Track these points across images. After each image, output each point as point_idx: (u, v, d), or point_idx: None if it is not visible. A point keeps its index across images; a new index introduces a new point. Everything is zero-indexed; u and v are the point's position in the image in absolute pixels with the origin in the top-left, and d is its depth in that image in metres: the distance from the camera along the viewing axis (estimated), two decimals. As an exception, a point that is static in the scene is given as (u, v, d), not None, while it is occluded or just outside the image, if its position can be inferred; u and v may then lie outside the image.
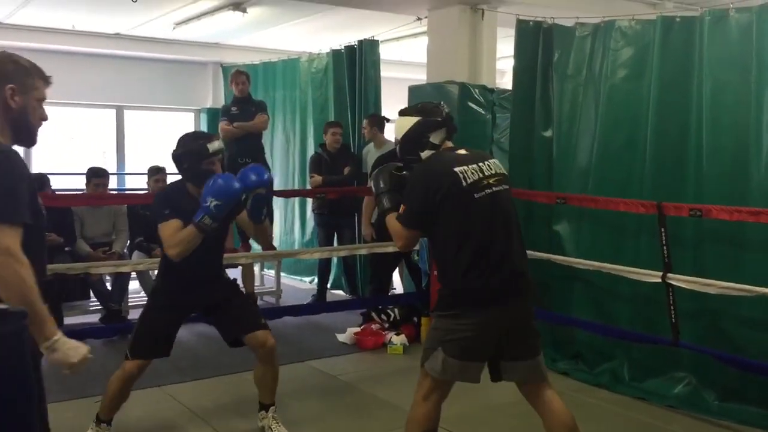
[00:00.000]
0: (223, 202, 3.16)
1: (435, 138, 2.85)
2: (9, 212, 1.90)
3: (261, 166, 3.56)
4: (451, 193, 2.69)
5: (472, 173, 2.73)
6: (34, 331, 1.81)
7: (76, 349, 1.99)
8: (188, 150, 3.35)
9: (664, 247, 4.08)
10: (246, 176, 3.31)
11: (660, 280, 4.10)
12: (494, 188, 2.76)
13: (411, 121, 2.88)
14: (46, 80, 2.15)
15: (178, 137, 3.47)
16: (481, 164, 2.78)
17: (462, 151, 2.85)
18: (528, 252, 5.01)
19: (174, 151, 3.40)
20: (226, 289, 3.62)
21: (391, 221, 2.85)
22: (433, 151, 2.85)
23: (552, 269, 4.96)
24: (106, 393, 3.48)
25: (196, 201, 3.24)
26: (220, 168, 3.44)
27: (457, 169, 2.72)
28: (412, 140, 2.87)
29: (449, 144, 2.91)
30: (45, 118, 2.17)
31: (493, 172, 2.80)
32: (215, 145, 3.38)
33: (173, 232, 3.21)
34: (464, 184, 2.70)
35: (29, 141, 2.16)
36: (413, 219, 2.77)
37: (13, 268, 1.86)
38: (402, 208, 2.81)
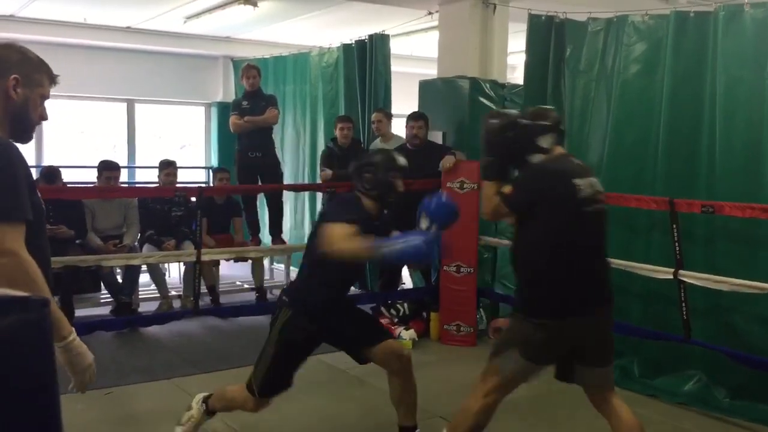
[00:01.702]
0: (442, 223, 2.99)
1: (544, 142, 2.83)
2: (10, 210, 1.80)
3: (453, 204, 3.22)
4: (564, 202, 2.72)
5: (586, 187, 2.75)
6: None
7: (86, 354, 1.97)
8: (379, 160, 3.23)
9: (676, 244, 4.06)
10: (439, 207, 3.09)
11: (672, 277, 4.08)
12: (602, 205, 2.81)
13: (515, 123, 2.90)
14: (53, 79, 2.08)
15: (366, 152, 3.38)
16: (590, 179, 2.79)
17: (574, 161, 2.88)
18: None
19: (360, 161, 3.28)
20: (348, 304, 3.44)
21: (489, 188, 2.89)
22: (542, 155, 2.83)
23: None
24: (223, 396, 3.33)
25: (370, 219, 3.13)
26: (402, 186, 3.27)
27: (575, 181, 2.73)
28: (517, 143, 2.86)
29: (561, 150, 2.89)
30: (45, 118, 2.07)
31: (599, 189, 2.82)
32: (402, 160, 3.29)
33: (349, 235, 2.91)
34: (578, 196, 2.72)
35: (24, 137, 2.03)
36: (517, 205, 2.81)
37: (20, 268, 1.79)
38: (510, 189, 2.82)
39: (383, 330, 3.38)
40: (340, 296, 3.31)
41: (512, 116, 2.96)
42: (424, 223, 3.00)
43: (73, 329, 1.97)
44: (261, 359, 3.13)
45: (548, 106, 3.03)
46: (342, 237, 2.90)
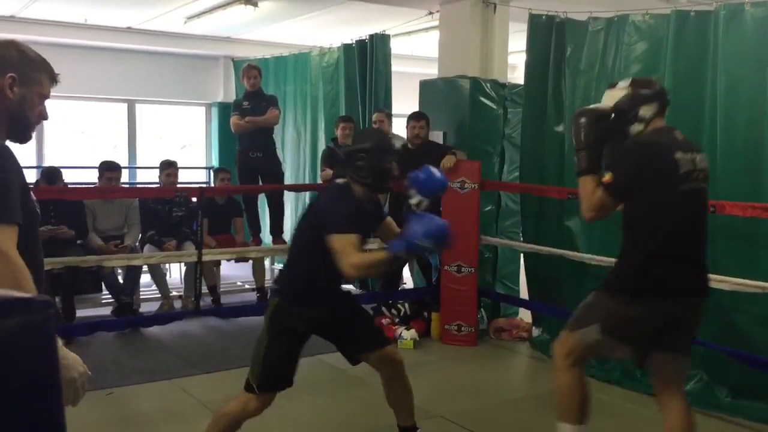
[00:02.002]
0: (433, 246, 2.78)
1: (645, 111, 2.71)
2: (1, 212, 1.73)
3: (439, 172, 3.15)
4: (663, 177, 2.61)
5: (686, 163, 2.63)
6: None
7: (74, 365, 1.86)
8: (373, 145, 2.99)
9: (677, 243, 4.06)
10: (429, 180, 3.02)
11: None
12: (701, 184, 2.70)
13: (620, 92, 2.77)
14: (54, 78, 2.01)
15: (356, 134, 3.19)
16: (693, 155, 2.67)
17: (678, 135, 2.74)
18: (539, 247, 5.07)
19: (348, 147, 3.08)
20: (347, 301, 3.27)
21: (588, 183, 2.69)
22: (643, 125, 2.72)
23: (563, 265, 4.95)
24: (218, 419, 3.07)
25: (364, 209, 2.98)
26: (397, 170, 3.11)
27: (675, 155, 2.62)
28: (621, 112, 2.73)
29: (661, 122, 2.77)
30: (45, 117, 2.00)
31: (703, 166, 2.71)
32: (398, 144, 3.11)
33: (355, 249, 2.80)
34: (678, 172, 2.61)
35: (22, 137, 1.97)
36: (625, 189, 2.65)
37: (9, 272, 1.71)
38: (609, 176, 2.65)
39: (381, 335, 3.28)
40: (331, 286, 3.09)
41: (601, 109, 2.82)
42: (414, 198, 2.91)
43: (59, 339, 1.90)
44: (256, 353, 2.99)
45: (653, 78, 2.90)
46: (353, 255, 2.77)
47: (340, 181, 3.07)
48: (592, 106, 2.87)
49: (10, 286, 1.64)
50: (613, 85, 2.88)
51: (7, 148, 1.84)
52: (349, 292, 3.27)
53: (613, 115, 2.76)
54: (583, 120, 2.76)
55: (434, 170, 3.06)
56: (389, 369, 3.17)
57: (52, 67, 2.00)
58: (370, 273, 2.83)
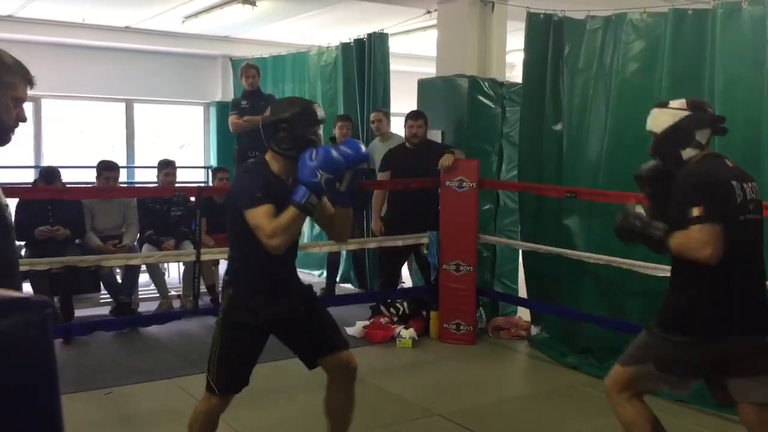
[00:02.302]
0: (334, 176, 2.61)
1: (701, 137, 2.58)
2: None
3: (352, 140, 2.90)
4: (728, 205, 2.46)
5: (740, 192, 2.50)
6: None
7: None
8: (295, 114, 2.75)
9: (675, 242, 4.06)
10: (344, 151, 2.69)
11: (670, 275, 4.07)
12: (750, 216, 2.53)
13: (678, 114, 2.62)
14: (30, 80, 1.95)
15: (273, 105, 2.98)
16: (745, 184, 2.53)
17: (729, 163, 2.60)
18: (538, 246, 5.08)
19: (267, 117, 2.86)
20: (306, 297, 2.99)
21: (685, 236, 2.45)
22: (697, 151, 2.58)
23: (562, 263, 4.95)
24: (192, 423, 2.87)
25: (284, 183, 2.75)
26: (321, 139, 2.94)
27: (734, 183, 2.49)
28: (676, 135, 2.59)
29: (711, 149, 2.67)
30: (23, 119, 1.97)
31: (754, 197, 2.56)
32: (321, 112, 2.83)
33: (270, 219, 2.61)
34: (738, 200, 2.48)
35: (0, 140, 1.96)
36: (716, 212, 2.42)
37: None
38: (698, 209, 2.41)
39: (341, 337, 3.00)
40: (275, 269, 2.84)
41: (636, 209, 2.73)
42: (319, 176, 2.60)
43: None
44: (211, 351, 2.81)
45: (706, 100, 2.75)
46: (267, 225, 2.60)
47: (252, 160, 2.87)
48: (627, 209, 2.75)
49: None
50: (662, 105, 2.73)
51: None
52: (310, 288, 3.02)
53: (663, 143, 2.65)
54: (629, 217, 2.71)
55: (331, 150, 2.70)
56: (341, 375, 2.94)
57: (27, 69, 1.95)
58: (292, 234, 2.64)
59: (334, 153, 2.62)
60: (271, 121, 2.79)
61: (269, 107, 3.13)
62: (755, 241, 2.58)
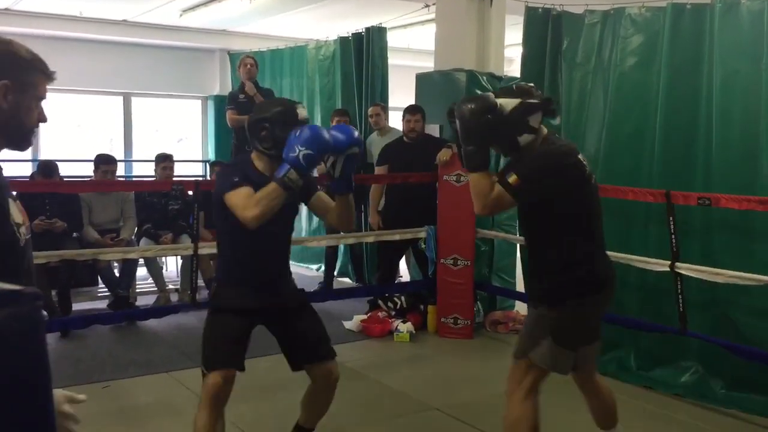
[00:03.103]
0: (314, 151, 2.60)
1: (534, 121, 2.69)
2: None
3: (343, 125, 3.00)
4: (578, 180, 2.69)
5: (585, 162, 2.73)
6: None
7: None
8: (276, 114, 2.82)
9: (673, 236, 4.07)
10: (333, 135, 2.72)
11: (668, 269, 4.09)
12: (593, 178, 2.80)
13: (511, 103, 2.69)
14: (49, 76, 1.86)
15: (258, 105, 3.08)
16: (581, 155, 2.76)
17: (563, 140, 2.85)
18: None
19: (252, 117, 2.90)
20: (295, 298, 3.05)
21: (481, 181, 2.65)
22: (533, 135, 2.69)
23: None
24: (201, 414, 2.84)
25: (266, 177, 2.77)
26: None
27: (579, 156, 2.71)
28: (510, 123, 2.67)
29: (545, 129, 2.77)
30: (44, 120, 1.87)
31: (587, 162, 2.80)
32: (304, 113, 2.91)
33: (247, 197, 2.66)
34: (586, 171, 2.71)
35: (21, 145, 1.84)
36: (532, 192, 2.64)
37: None
38: (515, 178, 2.60)
39: (328, 347, 3.01)
40: (266, 273, 2.92)
41: (489, 99, 2.70)
42: (298, 152, 2.61)
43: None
44: (202, 339, 2.93)
45: (529, 84, 2.89)
46: (244, 200, 2.66)
47: (240, 157, 2.97)
48: (476, 95, 2.85)
49: None
50: (497, 94, 2.80)
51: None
52: (303, 292, 3.11)
53: (495, 115, 2.69)
54: (472, 113, 2.64)
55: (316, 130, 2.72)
56: (322, 384, 2.99)
57: (46, 64, 1.87)
58: (268, 207, 2.62)
59: (321, 132, 2.65)
60: (254, 120, 2.85)
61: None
62: (599, 206, 2.81)
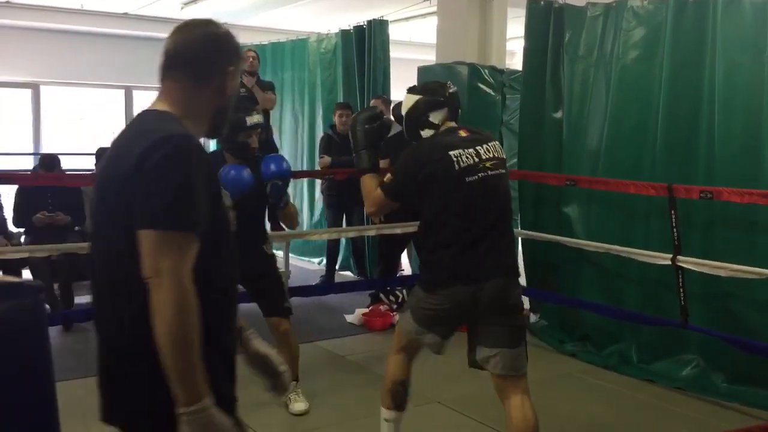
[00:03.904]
0: (231, 193, 3.07)
1: (435, 117, 2.84)
2: (176, 215, 1.44)
3: (281, 156, 3.79)
4: (440, 176, 2.69)
5: (467, 157, 2.72)
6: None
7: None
8: (230, 121, 3.40)
9: (675, 230, 4.07)
10: (266, 167, 3.52)
11: (670, 263, 4.09)
12: (489, 172, 2.75)
13: (413, 99, 2.88)
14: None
15: None
16: (478, 147, 2.76)
17: (463, 133, 2.83)
18: (537, 234, 5.08)
19: None
20: (261, 263, 3.69)
21: (369, 182, 2.94)
22: (433, 131, 2.84)
23: (561, 251, 4.96)
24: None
25: None
26: (257, 142, 3.61)
27: (451, 153, 2.71)
28: (413, 119, 2.88)
29: (451, 124, 2.88)
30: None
31: (491, 155, 2.78)
32: (254, 119, 3.48)
33: None
34: (456, 168, 2.69)
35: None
36: (397, 191, 2.83)
37: (172, 294, 1.41)
38: (388, 177, 2.84)
39: (274, 304, 3.72)
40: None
41: (375, 110, 3.16)
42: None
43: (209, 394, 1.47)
44: None
45: (446, 82, 2.99)
46: None
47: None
48: (367, 108, 3.11)
49: (171, 316, 1.40)
50: (410, 90, 2.97)
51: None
52: (272, 255, 3.79)
53: (406, 126, 2.93)
54: (360, 122, 3.03)
55: (244, 172, 3.44)
56: (276, 335, 3.69)
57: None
58: None
59: (233, 174, 3.37)
60: None
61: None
62: (493, 194, 2.77)
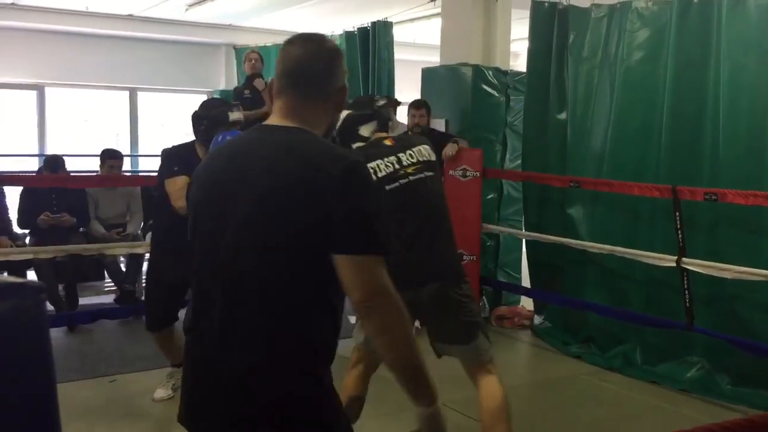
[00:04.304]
0: None
1: (364, 131, 2.89)
2: (382, 240, 1.56)
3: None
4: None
5: (386, 166, 2.76)
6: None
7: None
8: (210, 114, 3.53)
9: (679, 232, 4.06)
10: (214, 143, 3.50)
11: (674, 265, 4.08)
12: (410, 177, 2.79)
13: (344, 114, 2.89)
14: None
15: (203, 100, 3.72)
16: (400, 155, 2.79)
17: (388, 142, 2.88)
18: (541, 235, 5.07)
19: (196, 111, 3.60)
20: None
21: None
22: (363, 143, 2.89)
23: (565, 253, 4.95)
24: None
25: None
26: None
27: (371, 165, 2.74)
28: (343, 133, 2.91)
29: (381, 135, 2.92)
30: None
31: (414, 160, 2.81)
32: (235, 116, 3.56)
33: (182, 188, 3.30)
34: (382, 174, 2.74)
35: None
36: None
37: (393, 313, 1.57)
38: None
39: None
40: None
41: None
42: None
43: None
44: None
45: (375, 95, 3.07)
46: (176, 191, 3.34)
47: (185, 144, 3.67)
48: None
49: (395, 331, 1.56)
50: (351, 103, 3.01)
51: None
52: None
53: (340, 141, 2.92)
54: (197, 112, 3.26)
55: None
56: None
57: None
58: None
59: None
60: (196, 115, 3.57)
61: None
62: (418, 199, 2.79)
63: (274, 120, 1.65)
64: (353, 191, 1.48)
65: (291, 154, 1.53)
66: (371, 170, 2.71)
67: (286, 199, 1.48)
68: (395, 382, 1.68)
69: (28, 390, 0.79)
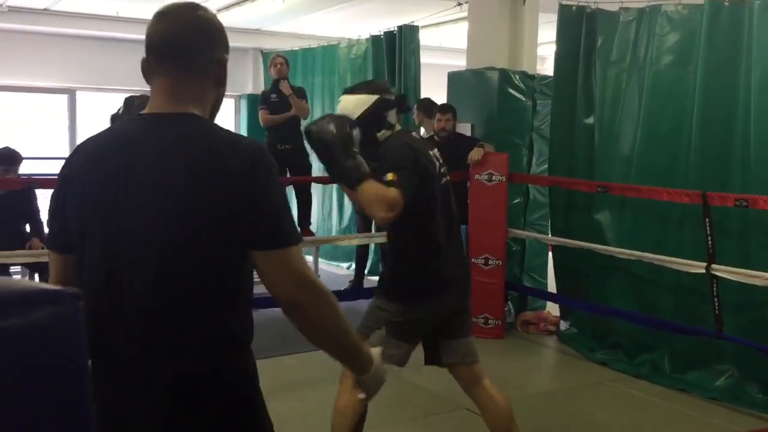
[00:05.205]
0: None
1: (391, 118, 2.73)
2: (294, 231, 1.44)
3: None
4: (428, 174, 2.62)
5: (435, 159, 2.71)
6: None
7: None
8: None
9: (709, 238, 4.01)
10: None
11: (704, 271, 4.03)
12: (447, 178, 2.77)
13: (369, 99, 2.70)
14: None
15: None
16: (433, 152, 2.74)
17: (416, 135, 2.82)
18: (568, 241, 5.04)
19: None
20: None
21: (375, 186, 2.46)
22: (390, 132, 2.71)
23: (592, 258, 4.91)
24: None
25: None
26: None
27: (431, 153, 2.70)
28: (372, 118, 2.67)
29: (398, 126, 2.80)
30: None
31: (442, 161, 2.77)
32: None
33: None
34: (435, 169, 2.67)
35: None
36: (410, 185, 2.50)
37: (325, 299, 1.46)
38: (393, 175, 2.48)
39: None
40: None
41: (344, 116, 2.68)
42: None
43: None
44: None
45: (383, 81, 2.95)
46: None
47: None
48: (337, 114, 2.69)
49: (328, 327, 1.51)
50: (350, 91, 2.82)
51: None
52: None
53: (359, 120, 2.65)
54: (338, 128, 2.49)
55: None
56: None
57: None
58: None
59: None
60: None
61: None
62: (450, 204, 2.74)
63: (153, 107, 1.49)
64: (262, 182, 1.37)
65: (187, 144, 1.40)
66: (434, 158, 2.66)
67: (192, 196, 1.35)
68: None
69: (63, 400, 0.80)
